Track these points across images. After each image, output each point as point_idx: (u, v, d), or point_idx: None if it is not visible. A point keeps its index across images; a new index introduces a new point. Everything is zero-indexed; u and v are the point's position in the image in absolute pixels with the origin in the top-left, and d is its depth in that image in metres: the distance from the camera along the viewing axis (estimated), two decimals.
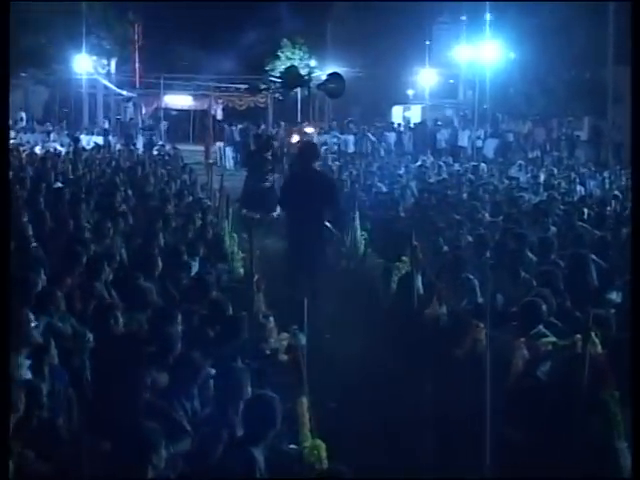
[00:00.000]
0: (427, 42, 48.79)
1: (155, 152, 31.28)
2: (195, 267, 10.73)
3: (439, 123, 39.25)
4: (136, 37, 45.85)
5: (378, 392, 8.04)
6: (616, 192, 20.54)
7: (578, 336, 6.75)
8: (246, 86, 34.83)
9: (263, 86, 34.20)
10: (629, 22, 34.19)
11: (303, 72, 21.56)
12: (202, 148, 34.43)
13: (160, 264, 9.73)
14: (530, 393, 6.81)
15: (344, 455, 6.38)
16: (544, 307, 7.80)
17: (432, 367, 7.46)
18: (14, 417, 5.34)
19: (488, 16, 35.55)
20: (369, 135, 37.29)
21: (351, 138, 36.84)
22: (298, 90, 27.80)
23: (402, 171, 24.65)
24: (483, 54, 36.29)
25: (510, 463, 6.54)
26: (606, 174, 25.08)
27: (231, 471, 5.43)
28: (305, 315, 6.71)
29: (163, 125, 39.44)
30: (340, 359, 9.25)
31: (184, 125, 44.57)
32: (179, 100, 43.97)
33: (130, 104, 44.64)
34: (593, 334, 6.54)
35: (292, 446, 6.09)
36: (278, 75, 40.01)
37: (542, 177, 23.49)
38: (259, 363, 7.09)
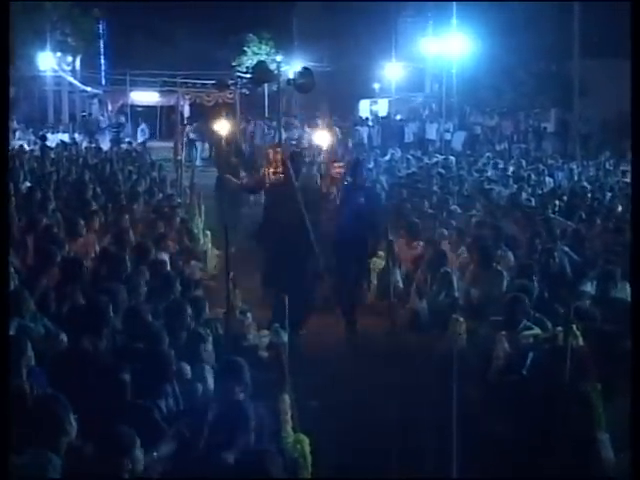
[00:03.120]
0: (392, 35, 48.84)
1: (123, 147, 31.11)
2: (166, 264, 10.62)
3: (399, 117, 39.35)
4: (102, 33, 45.50)
5: (359, 389, 8.00)
6: (584, 183, 20.66)
7: (559, 329, 6.76)
8: (213, 82, 34.60)
9: (231, 82, 34.02)
10: (595, 16, 34.35)
11: (272, 67, 21.38)
12: (170, 145, 34.20)
13: (129, 264, 9.56)
14: (512, 386, 6.82)
15: (327, 451, 6.37)
16: (527, 301, 7.81)
17: (414, 363, 7.43)
18: None
19: (455, 9, 35.61)
20: (336, 129, 37.24)
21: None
22: (265, 85, 27.72)
23: (372, 165, 24.62)
24: (450, 47, 36.35)
25: (493, 455, 6.54)
26: (574, 165, 25.21)
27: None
28: (286, 312, 6.66)
29: (141, 125, 39.06)
30: (320, 356, 9.19)
31: (151, 122, 44.28)
32: (146, 96, 43.68)
33: (96, 101, 44.30)
34: (574, 326, 6.54)
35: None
36: (245, 70, 39.97)
37: (511, 169, 23.57)
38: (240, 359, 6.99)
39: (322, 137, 18.39)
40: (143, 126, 38.71)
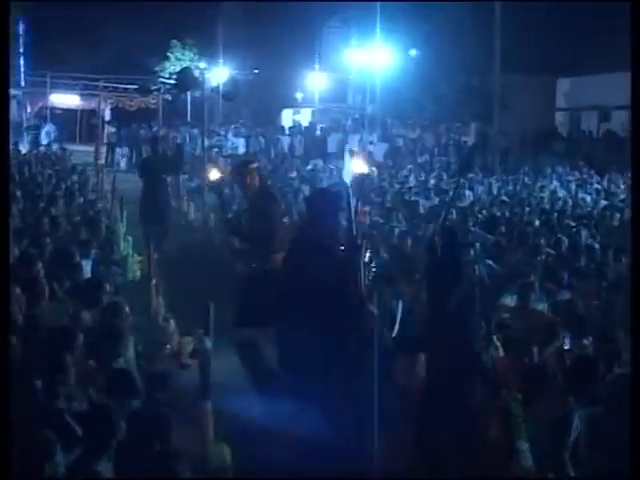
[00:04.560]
0: (316, 44, 49.10)
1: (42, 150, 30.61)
2: (87, 269, 10.49)
3: (322, 127, 39.51)
4: (21, 33, 44.73)
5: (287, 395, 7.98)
6: (504, 197, 20.98)
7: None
8: (136, 87, 34.32)
9: (154, 87, 33.77)
10: (515, 32, 34.86)
11: (196, 74, 21.35)
12: (90, 149, 33.81)
13: (41, 270, 9.35)
14: (433, 396, 6.88)
15: (248, 458, 6.36)
16: None
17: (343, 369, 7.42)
18: None
19: (378, 20, 35.89)
20: (260, 138, 37.36)
21: (242, 140, 36.84)
22: (189, 92, 27.62)
23: (294, 175, 24.67)
24: (373, 59, 36.63)
25: (415, 465, 6.59)
26: (492, 180, 25.58)
27: None
28: (211, 319, 6.63)
29: (45, 126, 38.35)
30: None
31: (71, 125, 43.67)
32: (66, 99, 43.05)
33: (14, 102, 43.53)
34: (494, 337, 6.66)
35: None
36: (168, 76, 39.69)
37: (432, 182, 23.84)
38: (161, 366, 6.97)
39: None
40: (49, 127, 37.89)
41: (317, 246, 7.11)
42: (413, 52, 37.96)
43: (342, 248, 7.16)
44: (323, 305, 6.71)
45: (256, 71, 46.46)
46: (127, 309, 8.06)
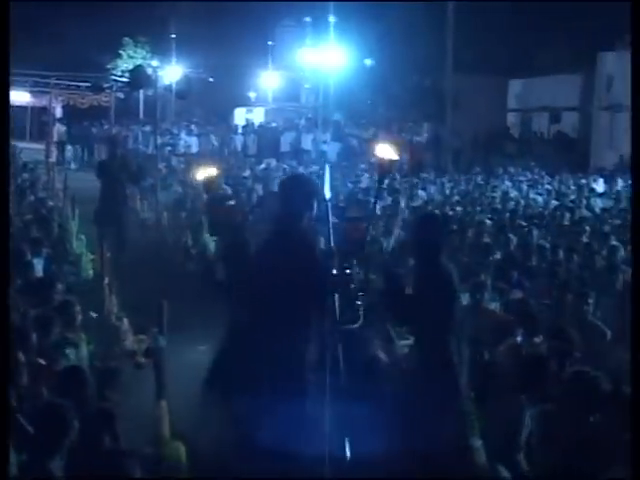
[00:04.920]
0: (270, 42, 49.00)
1: None
2: (39, 267, 10.41)
3: (275, 126, 39.52)
4: None
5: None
6: (457, 197, 21.16)
7: None
8: (88, 84, 34.04)
9: (106, 85, 33.54)
10: (467, 32, 35.16)
11: (148, 72, 21.26)
12: (41, 146, 33.47)
13: None
14: (385, 393, 6.92)
15: (204, 457, 6.34)
16: None
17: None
18: None
19: (332, 20, 35.93)
20: (213, 137, 37.29)
21: (194, 139, 36.73)
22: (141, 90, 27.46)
23: (247, 174, 24.64)
24: (327, 58, 36.67)
25: (366, 465, 6.59)
26: (445, 180, 25.77)
27: None
28: (165, 318, 6.60)
29: None
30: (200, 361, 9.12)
31: (21, 122, 43.19)
32: (16, 96, 42.49)
33: None
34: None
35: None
36: (120, 74, 39.43)
37: (385, 182, 23.89)
38: (115, 364, 6.94)
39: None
40: None
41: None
42: (368, 61, 38.16)
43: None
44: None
45: (211, 80, 46.24)
46: (78, 307, 8.00)
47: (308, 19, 45.49)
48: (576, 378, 5.91)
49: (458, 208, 18.29)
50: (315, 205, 6.55)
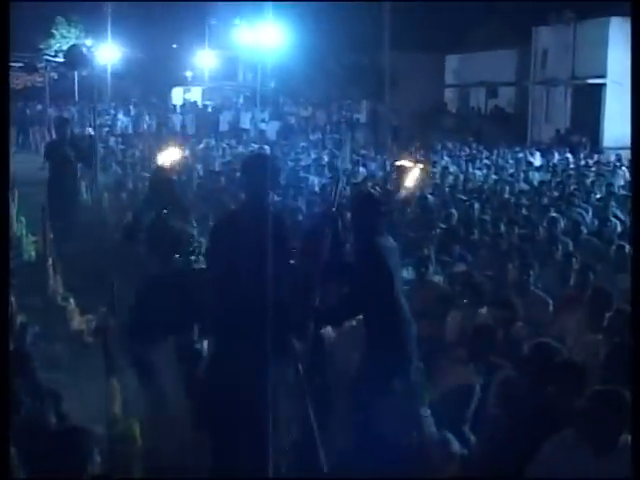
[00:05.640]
0: (213, 22, 48.62)
1: None
2: None
3: (212, 105, 39.31)
4: None
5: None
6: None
7: None
8: (21, 64, 33.53)
9: (40, 65, 33.04)
10: (404, 9, 35.15)
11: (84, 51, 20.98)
12: None
13: None
14: (339, 365, 6.98)
15: (157, 435, 6.34)
16: None
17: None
18: None
19: None
20: (146, 117, 37.01)
21: (131, 119, 36.50)
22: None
23: (187, 154, 24.47)
24: (263, 36, 36.47)
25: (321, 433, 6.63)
26: (386, 156, 25.82)
27: None
28: (114, 296, 6.58)
29: None
30: None
31: None
32: None
33: None
34: None
35: None
36: (54, 54, 38.88)
37: (325, 159, 23.98)
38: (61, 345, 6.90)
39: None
40: None
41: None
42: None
43: None
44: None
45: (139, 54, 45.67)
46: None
47: None
48: (536, 348, 6.01)
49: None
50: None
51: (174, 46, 50.75)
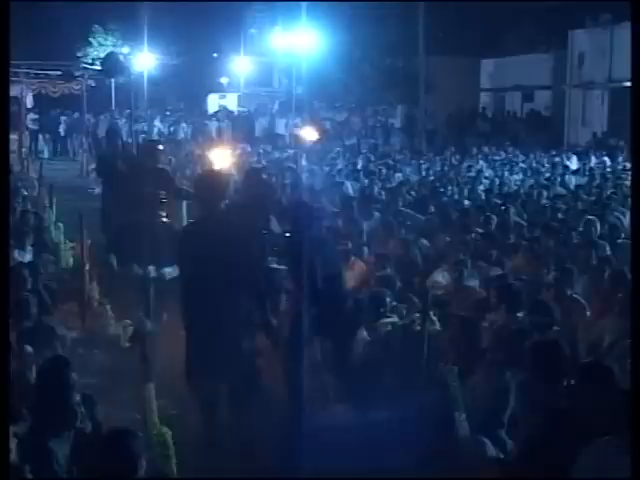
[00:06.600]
0: (252, 30, 48.77)
1: None
2: (27, 257, 10.42)
3: (248, 112, 39.44)
4: None
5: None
6: (432, 177, 21.24)
7: (417, 315, 6.96)
8: (59, 72, 33.74)
9: (77, 73, 33.28)
10: (440, 14, 35.17)
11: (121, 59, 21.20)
12: (13, 136, 33.19)
13: None
14: (371, 371, 6.98)
15: (191, 442, 6.37)
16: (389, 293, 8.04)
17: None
18: None
19: (304, 4, 35.78)
20: (185, 123, 37.20)
21: (168, 126, 36.70)
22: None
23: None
24: (298, 42, 36.50)
25: (350, 442, 6.63)
26: (422, 161, 25.81)
27: None
28: (151, 301, 6.62)
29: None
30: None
31: None
32: None
33: None
34: (431, 313, 6.76)
35: None
36: (91, 62, 39.18)
37: (360, 163, 24.01)
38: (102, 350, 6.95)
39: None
40: None
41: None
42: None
43: None
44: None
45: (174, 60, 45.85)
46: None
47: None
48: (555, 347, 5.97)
49: (434, 188, 18.31)
50: None
51: (214, 55, 51.00)
